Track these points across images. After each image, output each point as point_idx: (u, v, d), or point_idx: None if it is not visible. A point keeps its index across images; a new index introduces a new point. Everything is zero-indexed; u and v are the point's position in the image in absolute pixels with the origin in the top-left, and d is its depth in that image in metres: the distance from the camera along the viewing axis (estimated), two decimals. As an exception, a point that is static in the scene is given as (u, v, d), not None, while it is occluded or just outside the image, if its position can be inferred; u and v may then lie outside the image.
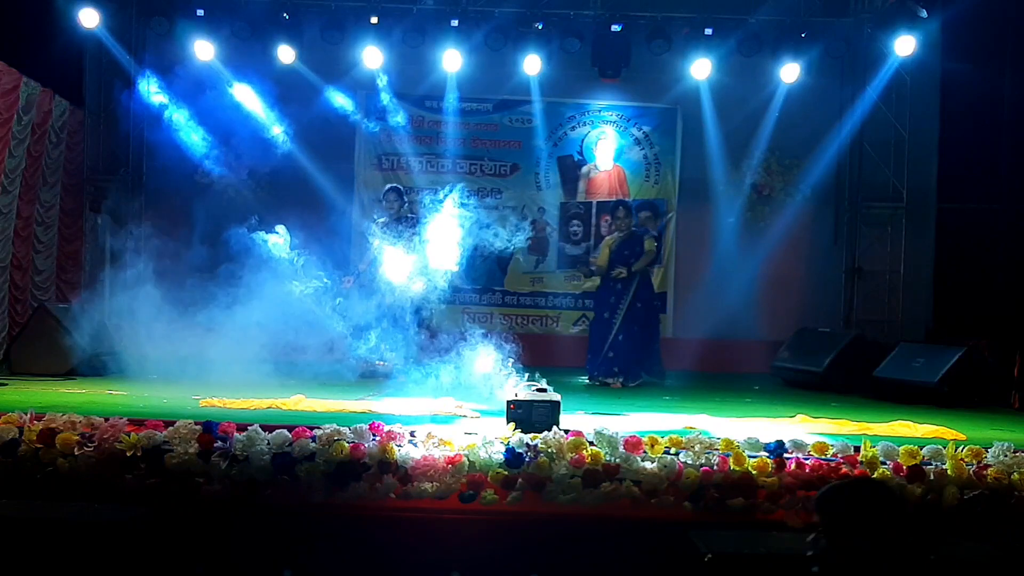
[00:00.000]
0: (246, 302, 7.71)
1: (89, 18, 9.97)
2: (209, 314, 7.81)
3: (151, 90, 10.52)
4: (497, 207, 11.34)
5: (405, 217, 8.98)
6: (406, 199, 9.26)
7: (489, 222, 8.62)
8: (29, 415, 4.86)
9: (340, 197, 11.12)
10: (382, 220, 8.98)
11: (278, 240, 8.26)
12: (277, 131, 10.89)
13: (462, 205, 8.12)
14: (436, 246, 8.09)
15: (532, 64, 10.70)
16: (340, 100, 11.18)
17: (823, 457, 4.89)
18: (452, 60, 10.65)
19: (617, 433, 4.87)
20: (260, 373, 7.60)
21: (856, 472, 4.75)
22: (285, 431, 4.78)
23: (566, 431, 4.95)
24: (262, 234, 8.26)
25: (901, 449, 4.86)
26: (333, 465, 4.66)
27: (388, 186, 9.50)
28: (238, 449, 4.65)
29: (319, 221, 9.99)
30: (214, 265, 8.39)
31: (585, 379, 9.14)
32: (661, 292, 11.11)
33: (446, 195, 8.15)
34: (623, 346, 8.97)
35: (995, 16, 9.79)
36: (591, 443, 4.83)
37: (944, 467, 4.79)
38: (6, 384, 7.54)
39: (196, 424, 4.77)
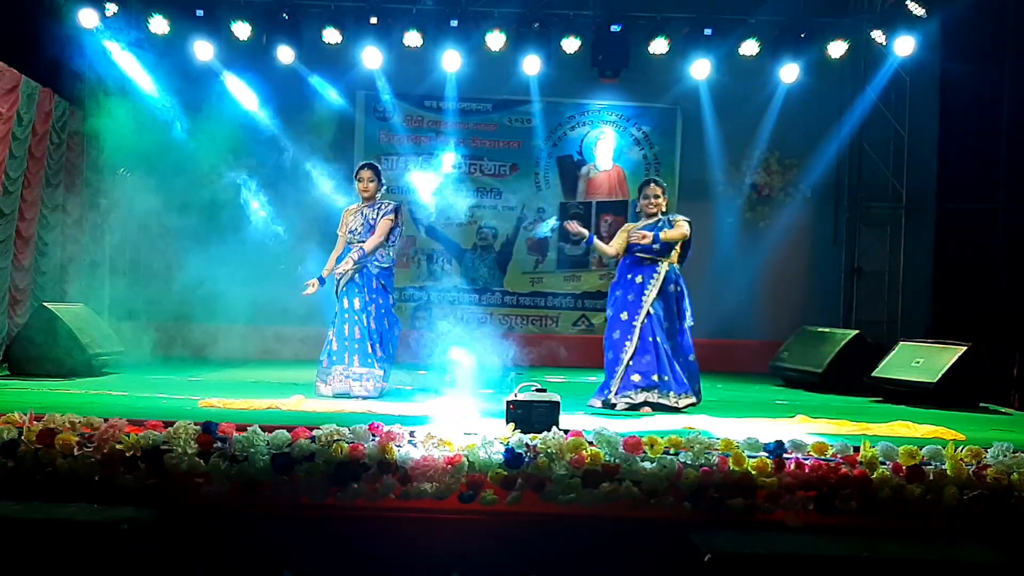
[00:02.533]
0: (244, 297, 7.73)
1: (89, 18, 9.96)
2: (206, 309, 7.84)
3: (150, 91, 10.53)
4: (497, 207, 11.39)
5: (381, 207, 7.29)
6: (384, 180, 7.39)
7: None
8: (29, 415, 4.85)
9: (340, 197, 11.12)
10: (353, 208, 7.47)
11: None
12: (276, 131, 10.89)
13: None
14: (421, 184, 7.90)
15: (532, 64, 10.69)
16: (339, 100, 11.19)
17: (823, 457, 4.88)
18: (452, 60, 10.65)
19: (617, 433, 4.87)
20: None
21: (856, 472, 4.75)
22: (285, 431, 4.77)
23: (566, 431, 4.94)
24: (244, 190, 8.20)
25: (901, 449, 4.86)
26: (333, 465, 4.65)
27: (361, 163, 7.60)
28: (238, 449, 4.65)
29: (318, 222, 9.98)
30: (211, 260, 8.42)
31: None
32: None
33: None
34: (673, 353, 7.24)
35: (995, 16, 9.77)
36: (591, 443, 4.83)
37: (944, 467, 4.79)
38: (6, 384, 7.54)
39: (196, 424, 4.76)
